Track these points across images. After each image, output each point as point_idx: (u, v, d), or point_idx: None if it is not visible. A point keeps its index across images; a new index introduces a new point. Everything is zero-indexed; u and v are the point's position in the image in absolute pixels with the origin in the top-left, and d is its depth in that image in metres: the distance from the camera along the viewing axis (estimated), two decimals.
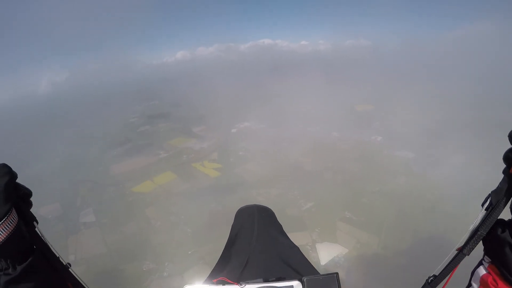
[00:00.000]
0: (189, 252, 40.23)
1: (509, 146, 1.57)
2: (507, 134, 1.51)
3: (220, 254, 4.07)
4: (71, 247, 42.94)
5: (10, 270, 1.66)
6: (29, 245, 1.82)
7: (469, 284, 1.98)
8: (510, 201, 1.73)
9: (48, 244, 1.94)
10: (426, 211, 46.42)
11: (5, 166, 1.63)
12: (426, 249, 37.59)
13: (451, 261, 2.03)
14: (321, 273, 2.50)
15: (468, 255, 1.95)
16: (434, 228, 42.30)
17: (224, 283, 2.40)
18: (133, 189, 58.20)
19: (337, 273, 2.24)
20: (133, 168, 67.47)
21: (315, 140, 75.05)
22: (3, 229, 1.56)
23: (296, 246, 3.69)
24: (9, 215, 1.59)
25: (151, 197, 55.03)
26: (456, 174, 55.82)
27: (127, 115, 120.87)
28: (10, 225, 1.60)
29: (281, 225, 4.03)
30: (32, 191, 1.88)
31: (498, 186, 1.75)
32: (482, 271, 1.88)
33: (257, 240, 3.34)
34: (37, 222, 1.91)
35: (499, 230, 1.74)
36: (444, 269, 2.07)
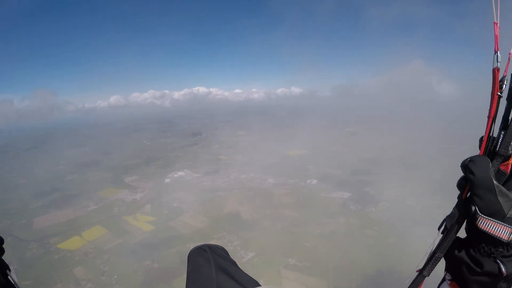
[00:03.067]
0: None
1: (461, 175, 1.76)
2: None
3: None
4: None
5: None
6: None
7: None
8: (463, 223, 1.84)
9: None
10: (370, 247, 47.72)
11: None
12: (377, 284, 39.06)
13: (412, 283, 2.06)
14: None
15: (428, 276, 2.01)
16: (381, 262, 43.51)
17: None
18: (59, 246, 53.47)
19: None
20: (59, 221, 62.46)
21: (251, 188, 76.55)
22: None
23: (256, 280, 3.11)
24: None
25: (80, 254, 50.77)
26: (393, 207, 58.86)
27: (55, 161, 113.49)
28: None
29: (235, 261, 3.44)
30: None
31: (452, 211, 1.85)
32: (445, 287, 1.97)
33: (218, 279, 2.91)
34: (10, 270, 1.86)
35: (456, 251, 1.85)
36: None
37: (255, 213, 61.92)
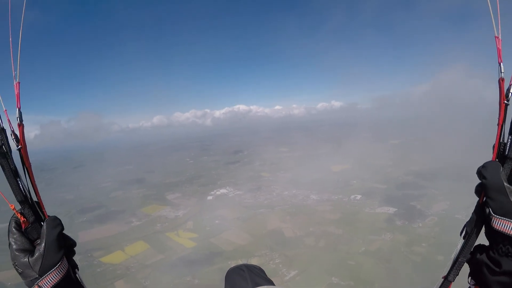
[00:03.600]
0: None
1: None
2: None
3: None
4: None
5: None
6: None
7: None
8: (482, 227, 1.94)
9: None
10: (418, 265, 44.90)
11: (56, 218, 1.90)
12: None
13: None
14: None
15: (453, 281, 2.10)
16: (429, 281, 40.06)
17: None
18: (102, 259, 54.24)
19: None
20: (103, 236, 63.76)
21: (294, 205, 74.59)
22: (57, 272, 1.80)
23: None
24: (62, 261, 1.84)
25: (122, 268, 51.18)
26: (441, 222, 55.51)
27: (101, 179, 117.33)
28: (62, 269, 1.85)
29: (271, 280, 3.51)
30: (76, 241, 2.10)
31: (471, 216, 1.98)
32: None
33: None
34: (78, 269, 2.09)
35: (478, 254, 1.94)
36: None
37: (298, 230, 60.32)
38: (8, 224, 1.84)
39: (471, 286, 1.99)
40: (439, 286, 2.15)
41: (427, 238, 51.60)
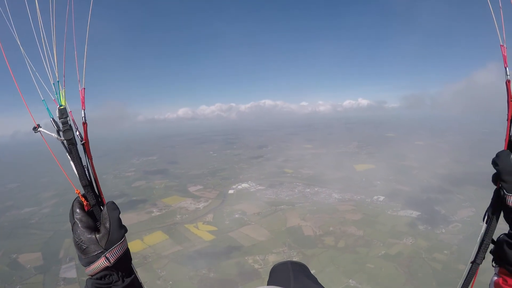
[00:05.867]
0: None
1: None
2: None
3: None
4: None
5: (119, 283, 2.08)
6: (131, 265, 2.27)
7: None
8: (502, 212, 2.22)
9: (134, 269, 2.29)
10: (438, 273, 43.71)
11: (114, 203, 2.13)
12: None
13: (467, 273, 2.41)
14: None
15: (480, 263, 2.35)
16: None
17: None
18: None
19: None
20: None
21: (315, 203, 73.53)
22: (121, 247, 2.03)
23: None
24: (124, 238, 2.07)
25: (139, 257, 51.57)
26: (465, 229, 53.90)
27: (124, 168, 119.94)
28: (124, 245, 2.08)
29: (316, 278, 3.62)
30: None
31: (491, 201, 2.24)
32: (494, 278, 2.25)
33: None
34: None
35: (500, 236, 2.28)
36: (463, 283, 2.44)
37: (318, 229, 59.48)
38: (71, 206, 2.04)
39: (495, 271, 2.25)
40: (467, 271, 2.40)
41: (449, 245, 50.02)
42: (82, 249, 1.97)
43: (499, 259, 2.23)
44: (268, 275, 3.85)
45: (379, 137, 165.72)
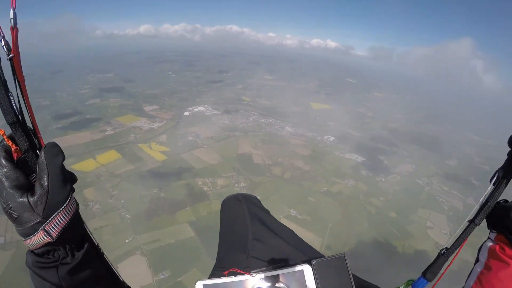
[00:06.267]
0: (127, 241, 38.13)
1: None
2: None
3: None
4: (1, 228, 37.67)
5: (68, 259, 1.50)
6: (83, 231, 1.65)
7: (477, 260, 2.18)
8: None
9: (88, 230, 1.69)
10: (371, 216, 47.67)
11: (56, 145, 1.44)
12: (369, 252, 38.96)
13: (462, 232, 2.28)
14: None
15: (479, 224, 2.22)
16: (377, 232, 43.57)
17: (235, 274, 2.21)
18: (73, 166, 53.86)
19: (344, 254, 2.21)
20: (76, 143, 63.00)
21: (268, 133, 75.96)
22: (65, 213, 1.41)
23: (290, 229, 3.40)
24: (70, 198, 1.43)
25: (92, 176, 51.59)
26: (402, 182, 58.01)
27: (79, 85, 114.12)
28: (71, 209, 1.44)
29: (268, 210, 3.75)
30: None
31: (504, 163, 2.07)
32: (489, 243, 2.12)
33: (252, 227, 3.14)
34: (79, 207, 1.62)
35: (505, 202, 2.10)
36: (456, 240, 2.31)
37: (267, 159, 61.95)
38: None
39: (491, 236, 2.12)
40: (463, 229, 2.27)
41: (385, 193, 53.93)
42: (13, 218, 1.34)
43: (500, 225, 2.07)
44: (220, 208, 3.88)
45: (341, 80, 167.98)
